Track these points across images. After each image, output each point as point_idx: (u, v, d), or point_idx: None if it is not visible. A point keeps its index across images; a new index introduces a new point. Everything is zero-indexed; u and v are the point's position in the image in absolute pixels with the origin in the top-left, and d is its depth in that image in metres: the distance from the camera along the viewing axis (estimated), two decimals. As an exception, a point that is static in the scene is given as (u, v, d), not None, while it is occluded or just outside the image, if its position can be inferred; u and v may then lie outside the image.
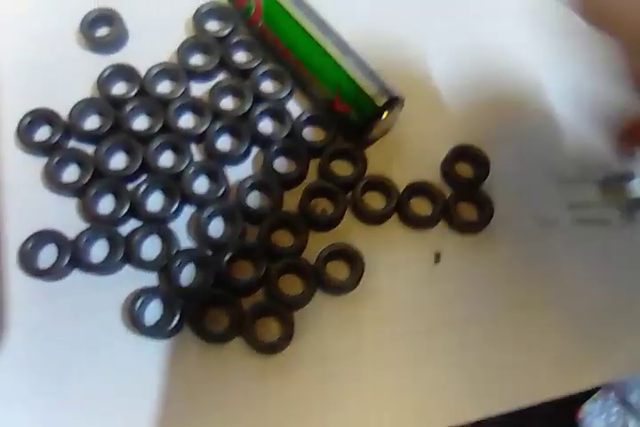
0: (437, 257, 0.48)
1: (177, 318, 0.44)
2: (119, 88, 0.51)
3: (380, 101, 0.47)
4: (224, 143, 0.50)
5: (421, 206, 0.49)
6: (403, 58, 0.52)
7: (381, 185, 0.49)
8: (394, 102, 0.47)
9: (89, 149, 0.49)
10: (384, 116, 0.47)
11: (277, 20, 0.48)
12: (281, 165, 0.49)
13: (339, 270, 0.47)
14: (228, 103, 0.51)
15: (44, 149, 0.48)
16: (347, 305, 0.47)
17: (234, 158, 0.49)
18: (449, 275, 0.48)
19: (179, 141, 0.48)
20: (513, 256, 0.49)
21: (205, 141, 0.49)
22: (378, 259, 0.47)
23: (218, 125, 0.49)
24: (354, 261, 0.47)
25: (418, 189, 0.49)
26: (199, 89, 0.51)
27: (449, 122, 0.52)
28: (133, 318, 0.44)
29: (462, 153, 0.50)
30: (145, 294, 0.45)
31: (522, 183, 0.50)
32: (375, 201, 0.49)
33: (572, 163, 0.51)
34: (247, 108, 0.49)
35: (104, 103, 0.49)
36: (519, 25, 0.53)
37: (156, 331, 0.45)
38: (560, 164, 0.51)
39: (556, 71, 0.53)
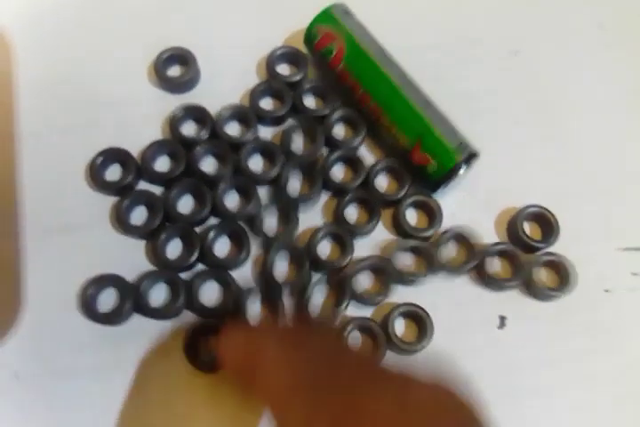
0: (502, 321, 0.48)
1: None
2: (189, 128, 0.50)
3: (460, 156, 0.46)
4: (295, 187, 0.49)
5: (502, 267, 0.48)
6: (477, 111, 0.52)
7: (461, 238, 0.48)
8: (472, 158, 0.47)
9: (158, 189, 0.48)
10: (461, 171, 0.47)
11: (359, 65, 0.47)
12: (351, 213, 0.49)
13: (406, 330, 0.46)
14: (300, 147, 0.50)
15: (115, 189, 0.48)
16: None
17: (304, 203, 0.49)
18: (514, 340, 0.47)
19: (248, 185, 0.48)
20: (579, 324, 0.48)
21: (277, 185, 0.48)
22: (445, 315, 0.46)
23: (290, 169, 0.48)
24: (423, 324, 0.46)
25: (501, 250, 0.48)
26: (267, 133, 0.51)
27: (519, 179, 0.51)
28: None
29: (533, 214, 0.49)
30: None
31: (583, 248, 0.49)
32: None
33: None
34: (319, 152, 0.49)
35: (176, 145, 0.49)
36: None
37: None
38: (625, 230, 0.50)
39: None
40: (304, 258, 0.46)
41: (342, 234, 0.47)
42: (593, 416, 0.46)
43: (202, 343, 0.44)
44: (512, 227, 0.49)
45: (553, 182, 0.50)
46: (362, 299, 0.46)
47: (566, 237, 0.48)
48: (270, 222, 0.48)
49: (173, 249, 0.47)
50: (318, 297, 0.46)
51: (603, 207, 0.50)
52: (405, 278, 0.47)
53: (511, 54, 0.55)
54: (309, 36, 0.49)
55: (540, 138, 0.52)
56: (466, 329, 0.47)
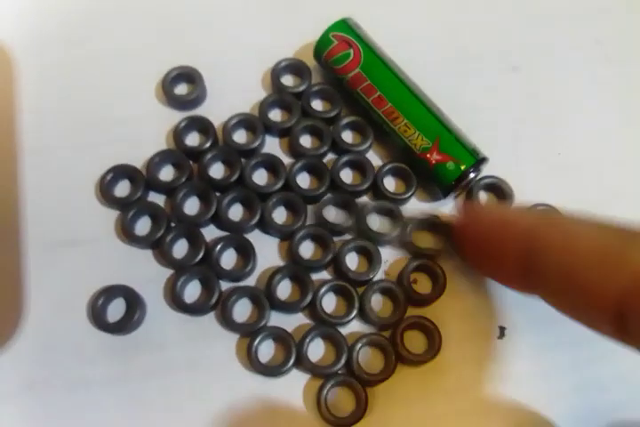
0: (502, 331, 0.47)
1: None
2: (193, 140, 0.51)
3: (478, 156, 0.47)
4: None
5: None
6: (475, 125, 0.51)
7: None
8: (483, 162, 0.47)
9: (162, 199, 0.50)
10: (472, 175, 0.47)
11: (376, 70, 0.49)
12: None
13: (414, 342, 0.46)
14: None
15: (124, 203, 0.49)
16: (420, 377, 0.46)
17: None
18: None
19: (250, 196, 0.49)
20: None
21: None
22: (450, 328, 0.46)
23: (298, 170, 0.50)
24: (432, 335, 0.45)
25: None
26: (275, 143, 0.52)
27: (517, 192, 0.50)
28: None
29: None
30: None
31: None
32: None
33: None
34: (324, 151, 0.50)
35: (180, 154, 0.50)
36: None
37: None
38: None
39: None
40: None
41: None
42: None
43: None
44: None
45: (549, 197, 0.49)
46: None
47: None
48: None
49: (180, 251, 0.48)
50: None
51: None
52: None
53: (511, 70, 0.55)
54: (323, 43, 0.50)
55: (539, 151, 0.52)
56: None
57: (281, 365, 0.44)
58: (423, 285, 0.48)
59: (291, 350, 0.45)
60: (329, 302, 0.47)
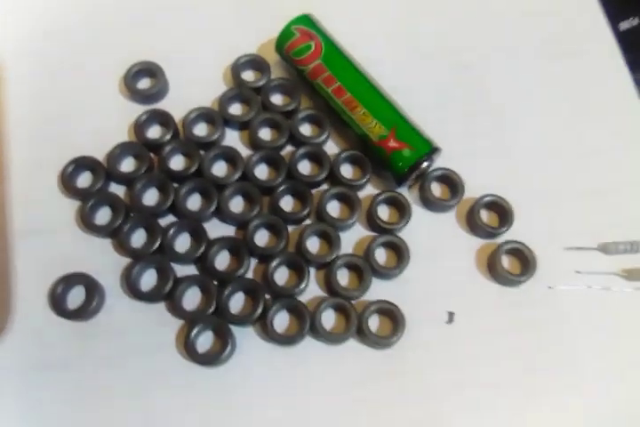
0: (451, 316, 0.49)
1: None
2: (154, 132, 0.53)
3: (433, 144, 0.49)
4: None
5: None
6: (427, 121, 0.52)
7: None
8: (437, 152, 0.49)
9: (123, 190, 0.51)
10: (425, 164, 0.49)
11: (336, 62, 0.51)
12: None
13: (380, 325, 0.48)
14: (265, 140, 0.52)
15: (85, 194, 0.50)
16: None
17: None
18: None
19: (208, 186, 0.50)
20: (522, 319, 0.49)
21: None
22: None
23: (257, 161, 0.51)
24: (397, 319, 0.47)
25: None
26: (234, 136, 0.53)
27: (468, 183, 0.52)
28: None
29: (490, 203, 0.51)
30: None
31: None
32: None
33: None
34: (282, 143, 0.52)
35: (140, 146, 0.51)
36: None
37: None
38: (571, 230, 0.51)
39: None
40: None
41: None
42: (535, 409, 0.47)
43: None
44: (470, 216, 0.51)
45: (501, 185, 0.51)
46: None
47: (515, 234, 0.50)
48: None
49: (138, 240, 0.49)
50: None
51: (549, 208, 0.52)
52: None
53: (462, 68, 0.57)
54: (285, 35, 0.52)
55: (487, 146, 0.54)
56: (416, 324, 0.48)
57: (218, 353, 0.46)
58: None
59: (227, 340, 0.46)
60: (281, 277, 0.49)
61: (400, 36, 0.57)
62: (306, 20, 0.52)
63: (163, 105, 0.54)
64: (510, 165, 0.53)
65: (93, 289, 0.47)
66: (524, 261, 0.49)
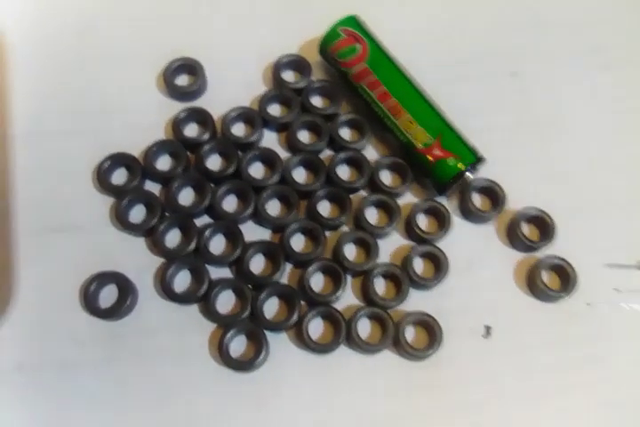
0: (488, 330, 0.48)
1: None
2: (192, 131, 0.52)
3: (478, 154, 0.48)
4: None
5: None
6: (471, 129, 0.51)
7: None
8: (481, 162, 0.49)
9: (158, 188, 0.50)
10: (469, 173, 0.48)
11: (382, 65, 0.50)
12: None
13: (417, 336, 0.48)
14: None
15: (121, 191, 0.49)
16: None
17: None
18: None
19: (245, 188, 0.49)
20: (560, 335, 0.48)
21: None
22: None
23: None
24: (434, 332, 0.47)
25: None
26: (273, 138, 0.53)
27: (510, 196, 0.51)
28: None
29: (532, 217, 0.50)
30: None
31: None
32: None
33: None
34: (321, 147, 0.51)
35: (178, 145, 0.50)
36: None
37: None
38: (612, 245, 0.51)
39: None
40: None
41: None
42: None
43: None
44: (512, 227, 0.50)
45: (544, 197, 0.51)
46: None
47: (555, 247, 0.49)
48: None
49: (173, 240, 0.49)
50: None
51: (591, 222, 0.51)
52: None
53: (509, 75, 0.56)
54: (331, 36, 0.51)
55: (530, 156, 0.53)
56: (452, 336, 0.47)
57: (252, 359, 0.46)
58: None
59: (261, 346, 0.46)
60: (317, 284, 0.49)
61: (447, 40, 0.57)
62: (352, 21, 0.51)
63: (200, 103, 0.53)
64: (553, 177, 0.52)
65: (126, 288, 0.47)
66: (565, 277, 0.48)
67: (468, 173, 0.48)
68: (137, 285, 0.48)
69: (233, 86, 0.54)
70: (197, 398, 0.45)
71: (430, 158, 0.48)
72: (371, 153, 0.52)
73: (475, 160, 0.48)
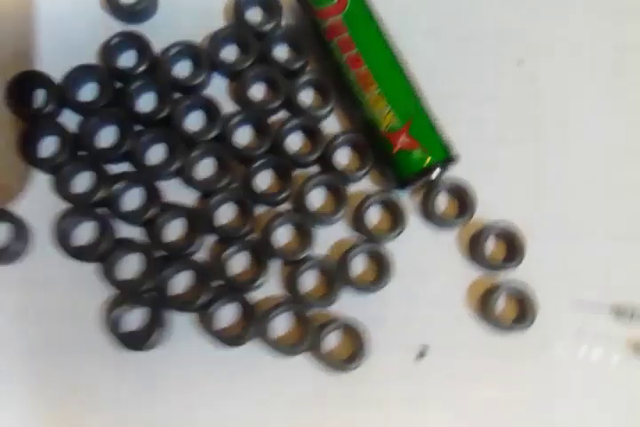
0: (424, 351, 0.45)
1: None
2: (127, 59, 0.47)
3: (451, 152, 0.44)
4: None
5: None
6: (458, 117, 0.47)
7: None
8: (452, 161, 0.44)
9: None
10: (436, 172, 0.43)
11: (360, 23, 0.45)
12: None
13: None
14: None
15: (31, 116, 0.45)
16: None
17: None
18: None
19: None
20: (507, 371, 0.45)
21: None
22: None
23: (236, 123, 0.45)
24: (361, 343, 0.43)
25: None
26: (222, 84, 0.47)
27: (489, 194, 0.45)
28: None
29: (501, 232, 0.46)
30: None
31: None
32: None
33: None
34: (275, 106, 0.45)
35: (104, 73, 0.45)
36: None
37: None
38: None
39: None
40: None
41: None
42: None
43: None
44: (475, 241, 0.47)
45: (520, 212, 0.46)
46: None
47: (519, 271, 0.46)
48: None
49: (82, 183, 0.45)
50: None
51: (565, 248, 0.46)
52: None
53: (514, 62, 0.50)
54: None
55: (513, 159, 0.48)
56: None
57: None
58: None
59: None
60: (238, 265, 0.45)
61: (451, 12, 0.50)
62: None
63: (146, 27, 0.48)
64: (537, 190, 0.49)
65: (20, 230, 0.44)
66: (524, 307, 0.47)
67: (436, 172, 0.45)
68: (34, 229, 0.44)
69: (187, 15, 0.50)
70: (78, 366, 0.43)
71: (393, 145, 0.45)
72: (332, 125, 0.49)
73: (445, 157, 0.45)
